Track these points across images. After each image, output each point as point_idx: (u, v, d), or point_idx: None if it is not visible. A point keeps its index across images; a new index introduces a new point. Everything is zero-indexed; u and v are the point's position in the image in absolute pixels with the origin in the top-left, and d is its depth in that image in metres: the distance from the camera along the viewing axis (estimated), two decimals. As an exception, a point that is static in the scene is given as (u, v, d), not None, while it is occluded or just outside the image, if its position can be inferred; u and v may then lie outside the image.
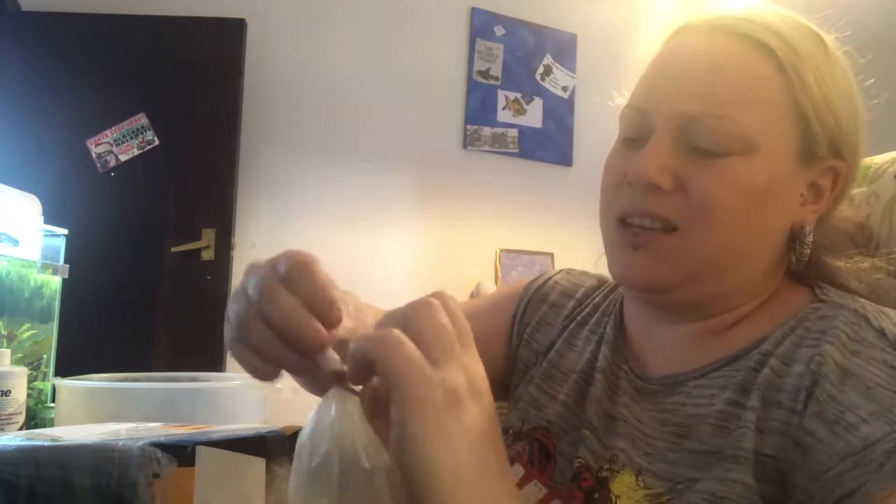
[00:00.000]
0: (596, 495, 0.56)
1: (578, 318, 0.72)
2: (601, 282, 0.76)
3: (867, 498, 0.43)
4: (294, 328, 0.42)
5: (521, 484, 0.62)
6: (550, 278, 0.77)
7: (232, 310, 0.44)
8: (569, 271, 0.79)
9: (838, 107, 0.57)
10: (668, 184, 0.55)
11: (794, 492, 0.47)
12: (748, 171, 0.54)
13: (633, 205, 0.57)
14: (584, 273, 0.79)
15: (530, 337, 0.74)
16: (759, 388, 0.52)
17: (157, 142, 2.63)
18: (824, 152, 0.57)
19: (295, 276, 0.43)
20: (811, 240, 0.58)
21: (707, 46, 0.57)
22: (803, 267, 0.60)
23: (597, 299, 0.73)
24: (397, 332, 0.41)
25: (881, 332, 0.50)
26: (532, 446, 0.64)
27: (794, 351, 0.52)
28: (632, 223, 0.57)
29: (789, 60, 0.55)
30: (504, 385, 0.75)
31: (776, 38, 0.56)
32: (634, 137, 0.59)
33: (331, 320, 0.43)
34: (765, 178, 0.55)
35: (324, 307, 0.43)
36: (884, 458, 0.44)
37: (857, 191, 0.74)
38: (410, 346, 0.40)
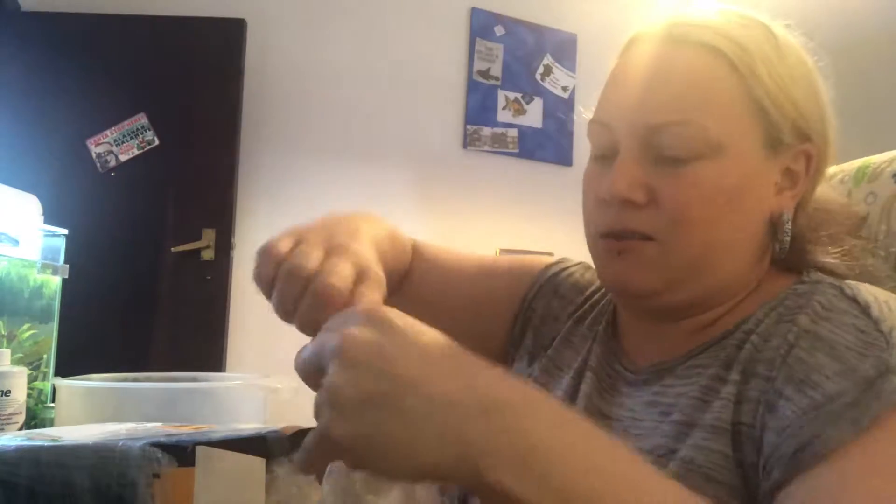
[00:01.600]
0: None
1: (576, 315, 0.73)
2: None
3: (826, 445, 0.45)
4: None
5: None
6: (567, 268, 0.78)
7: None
8: (587, 266, 0.79)
9: (795, 92, 0.58)
10: (642, 197, 0.57)
11: (765, 450, 0.49)
12: (717, 173, 0.56)
13: (612, 222, 0.59)
14: None
15: (536, 328, 0.74)
16: (740, 363, 0.53)
17: (157, 142, 2.63)
18: (790, 139, 0.58)
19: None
20: (790, 227, 0.59)
21: (659, 56, 0.59)
22: (788, 255, 0.61)
23: (596, 297, 0.74)
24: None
25: (853, 300, 0.52)
26: None
27: (773, 327, 0.54)
28: (615, 235, 0.59)
29: (739, 58, 0.57)
30: (501, 349, 0.76)
31: (723, 38, 0.57)
32: (604, 154, 0.61)
33: None
34: (735, 178, 0.56)
35: None
36: (842, 410, 0.46)
37: (855, 190, 0.74)
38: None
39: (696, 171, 0.55)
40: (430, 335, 0.41)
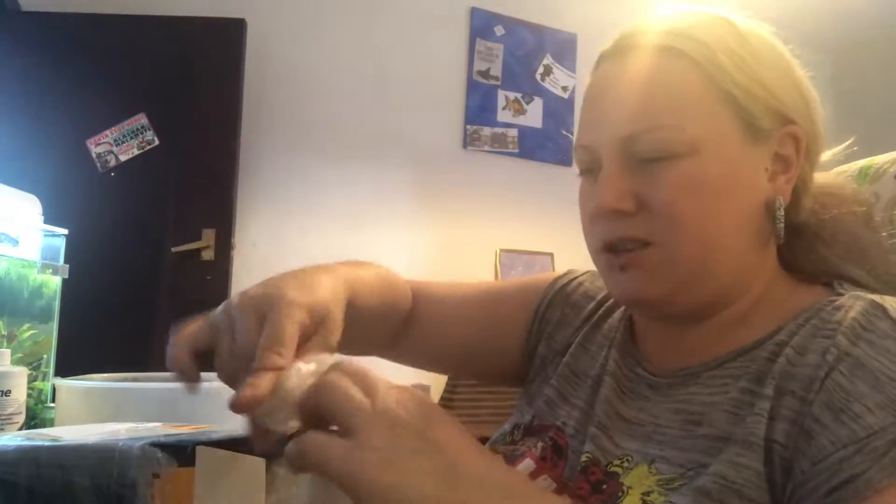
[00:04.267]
0: (604, 486, 0.57)
1: (593, 321, 0.73)
2: None
3: (868, 485, 0.44)
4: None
5: (531, 478, 0.62)
6: (575, 278, 0.79)
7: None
8: (594, 273, 0.79)
9: (765, 77, 0.58)
10: (630, 206, 0.57)
11: (795, 476, 0.48)
12: (700, 169, 0.56)
13: (608, 233, 0.59)
14: None
15: (550, 336, 0.75)
16: (773, 378, 0.52)
17: (157, 142, 2.63)
18: (770, 124, 0.58)
19: None
20: (782, 213, 0.59)
21: (623, 68, 0.60)
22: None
23: (609, 303, 0.73)
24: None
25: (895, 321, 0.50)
26: (545, 443, 0.64)
27: (809, 341, 0.53)
28: (614, 248, 0.59)
29: (700, 53, 0.57)
30: (518, 374, 0.77)
31: (681, 38, 0.58)
32: (589, 168, 0.62)
33: None
34: (718, 171, 0.56)
35: None
36: (886, 448, 0.44)
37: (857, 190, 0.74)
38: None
39: (678, 170, 0.56)
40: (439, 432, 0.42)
